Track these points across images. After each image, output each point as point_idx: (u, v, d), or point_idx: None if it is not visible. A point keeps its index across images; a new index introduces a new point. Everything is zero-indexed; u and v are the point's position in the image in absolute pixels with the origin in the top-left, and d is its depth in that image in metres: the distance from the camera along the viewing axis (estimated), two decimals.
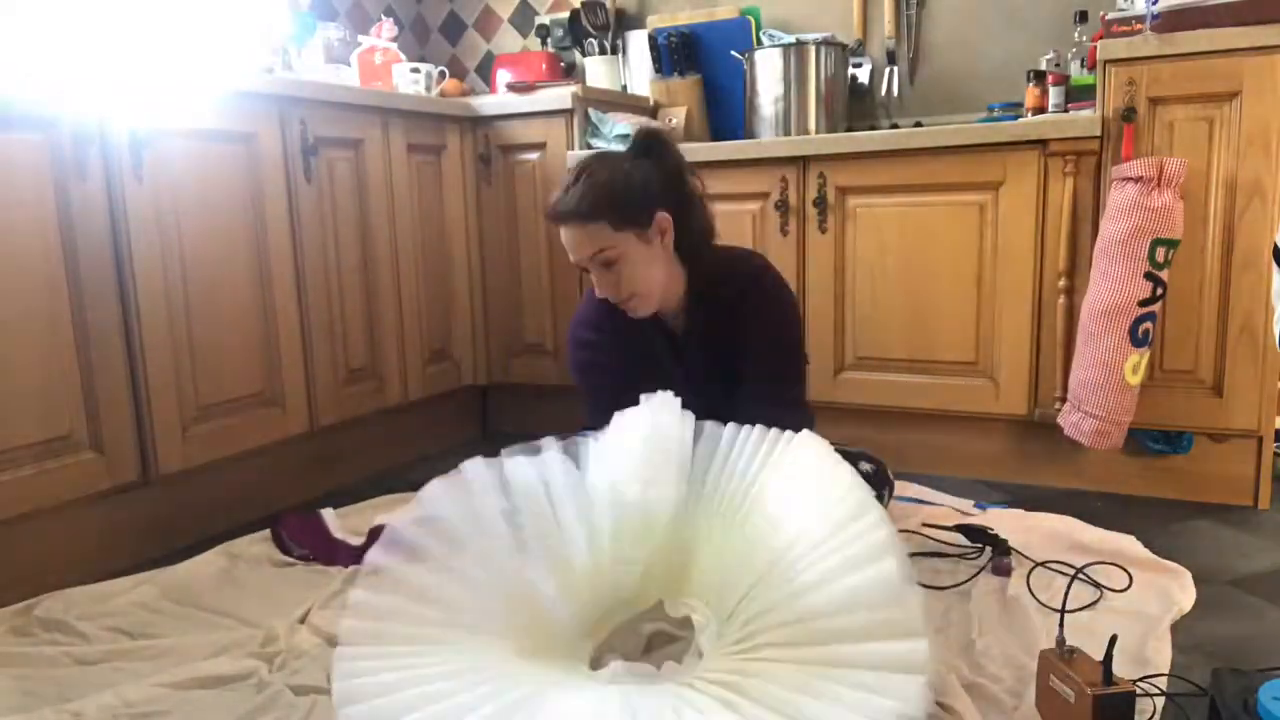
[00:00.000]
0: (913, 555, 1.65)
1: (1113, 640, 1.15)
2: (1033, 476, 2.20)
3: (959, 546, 1.75)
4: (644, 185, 1.56)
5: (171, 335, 1.84)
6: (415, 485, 2.19)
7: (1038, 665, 1.21)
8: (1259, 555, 1.74)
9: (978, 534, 1.74)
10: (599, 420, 1.41)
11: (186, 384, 1.88)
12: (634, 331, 1.68)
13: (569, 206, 1.54)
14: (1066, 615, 1.27)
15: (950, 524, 1.82)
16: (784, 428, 1.30)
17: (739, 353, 1.65)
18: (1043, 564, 1.65)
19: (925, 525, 1.85)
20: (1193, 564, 1.66)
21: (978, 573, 1.64)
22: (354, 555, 1.78)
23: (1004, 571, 1.64)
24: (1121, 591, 1.55)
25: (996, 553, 1.68)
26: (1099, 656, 1.15)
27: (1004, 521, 1.88)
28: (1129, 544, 1.75)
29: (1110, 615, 1.46)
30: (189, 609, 1.59)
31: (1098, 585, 1.56)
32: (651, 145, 1.62)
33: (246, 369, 2.01)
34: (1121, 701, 1.11)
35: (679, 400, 1.33)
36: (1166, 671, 1.30)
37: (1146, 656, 1.33)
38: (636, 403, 1.37)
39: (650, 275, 1.59)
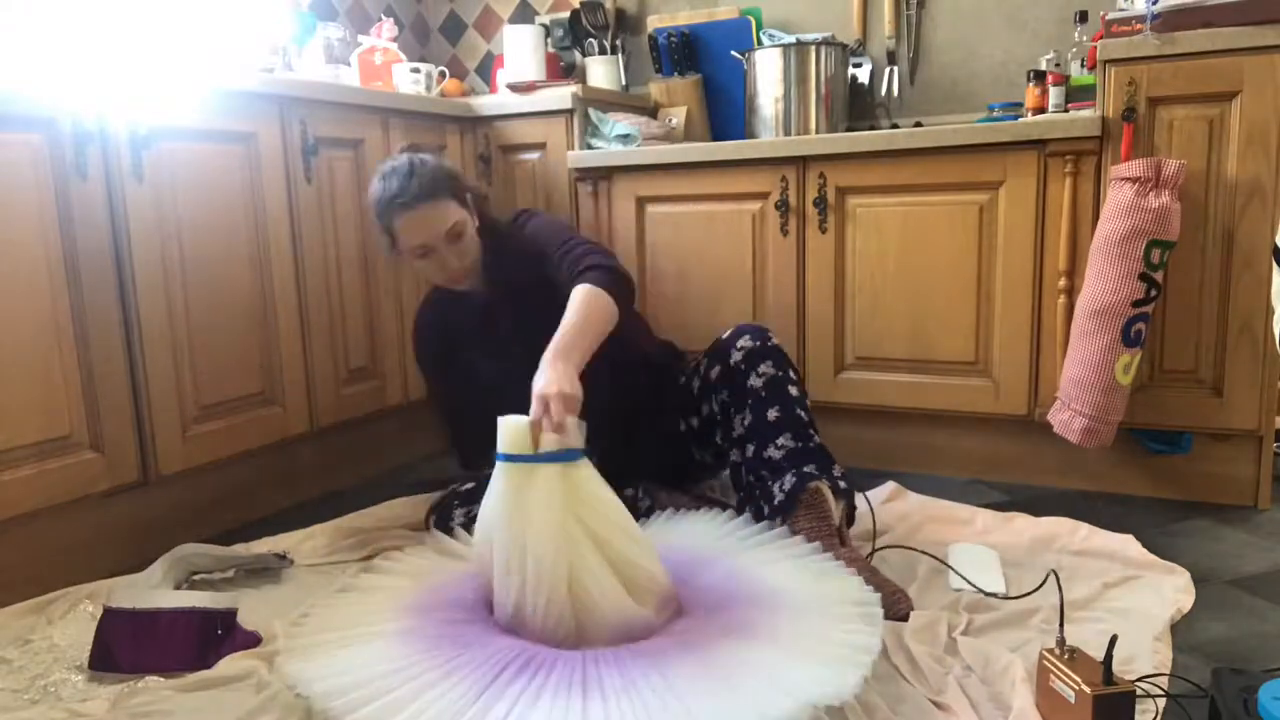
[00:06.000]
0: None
1: (1113, 640, 1.15)
2: (1032, 476, 2.20)
3: None
4: (454, 169, 1.79)
5: (171, 335, 1.84)
6: (415, 486, 2.22)
7: (1038, 665, 1.21)
8: (1259, 555, 1.74)
9: None
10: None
11: (186, 384, 1.88)
12: (468, 316, 1.86)
13: (422, 190, 1.68)
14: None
15: None
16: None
17: (541, 279, 1.77)
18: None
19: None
20: (1193, 564, 1.67)
21: None
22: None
23: None
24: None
25: None
26: (1099, 656, 1.15)
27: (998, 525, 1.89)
28: (1129, 544, 1.75)
29: (1110, 615, 1.46)
30: None
31: None
32: (421, 148, 1.82)
33: (246, 369, 2.01)
34: (1121, 701, 1.11)
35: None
36: (1166, 671, 1.30)
37: (1146, 656, 1.33)
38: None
39: (476, 244, 1.78)
